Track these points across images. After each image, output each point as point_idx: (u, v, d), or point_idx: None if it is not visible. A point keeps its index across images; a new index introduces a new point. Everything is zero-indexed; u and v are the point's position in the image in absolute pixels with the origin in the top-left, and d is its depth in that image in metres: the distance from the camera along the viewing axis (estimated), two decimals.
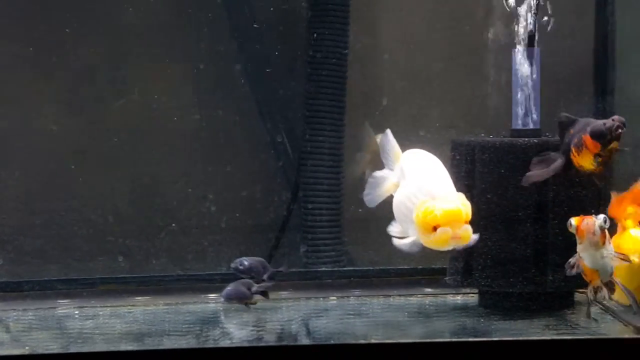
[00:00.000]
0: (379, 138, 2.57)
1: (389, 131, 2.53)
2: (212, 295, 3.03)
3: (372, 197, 2.54)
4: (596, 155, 2.37)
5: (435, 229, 2.30)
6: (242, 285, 2.91)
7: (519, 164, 2.70)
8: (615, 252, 2.35)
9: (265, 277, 2.92)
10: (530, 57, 2.86)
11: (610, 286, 2.39)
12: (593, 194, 2.75)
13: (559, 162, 2.50)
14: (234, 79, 3.38)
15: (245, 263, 2.91)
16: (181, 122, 3.36)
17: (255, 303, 2.93)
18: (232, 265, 2.92)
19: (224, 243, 3.31)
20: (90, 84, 3.34)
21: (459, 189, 2.86)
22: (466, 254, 2.82)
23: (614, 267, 2.36)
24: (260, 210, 3.39)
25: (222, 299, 2.91)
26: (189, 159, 3.38)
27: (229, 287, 2.91)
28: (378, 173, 2.53)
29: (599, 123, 2.36)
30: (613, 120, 2.34)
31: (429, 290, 3.11)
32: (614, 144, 2.34)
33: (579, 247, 2.33)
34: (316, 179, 3.34)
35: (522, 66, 2.86)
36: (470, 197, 2.78)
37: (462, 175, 2.78)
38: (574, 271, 2.41)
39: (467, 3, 3.25)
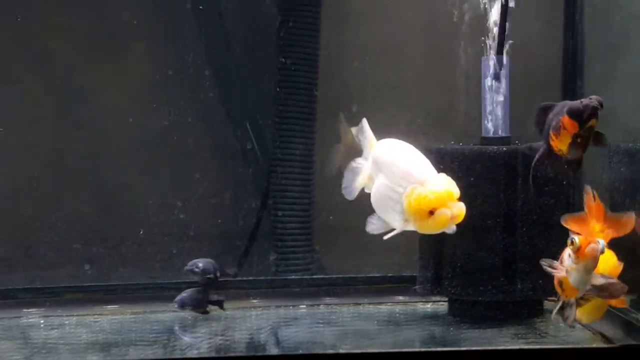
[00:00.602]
0: (354, 130, 2.54)
1: (364, 120, 2.50)
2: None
3: (350, 189, 2.49)
4: (575, 136, 2.29)
5: (431, 213, 2.28)
6: (197, 293, 2.87)
7: (488, 172, 2.71)
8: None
9: (219, 273, 2.88)
10: (499, 65, 2.87)
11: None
12: (562, 203, 2.76)
13: (541, 150, 2.43)
14: (203, 86, 3.35)
15: (200, 265, 2.86)
16: (149, 128, 3.33)
17: (208, 312, 2.90)
18: (187, 267, 2.87)
19: (193, 251, 3.28)
20: (56, 90, 3.30)
21: None
22: (435, 262, 2.82)
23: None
24: (230, 217, 3.36)
25: (175, 305, 2.87)
26: (157, 166, 3.35)
27: (184, 294, 2.87)
28: (353, 163, 2.49)
29: (575, 102, 2.29)
30: (590, 98, 2.27)
31: (399, 298, 3.11)
32: (591, 122, 2.26)
33: (571, 265, 2.32)
34: (286, 187, 3.32)
35: (491, 74, 2.87)
36: None
37: None
38: (555, 272, 2.39)
39: (438, 11, 3.25)
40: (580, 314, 2.47)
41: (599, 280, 2.31)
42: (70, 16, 3.28)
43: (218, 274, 2.90)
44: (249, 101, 3.38)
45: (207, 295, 2.88)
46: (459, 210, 2.29)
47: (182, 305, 2.86)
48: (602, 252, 2.28)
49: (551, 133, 2.35)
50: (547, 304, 2.84)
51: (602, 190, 2.81)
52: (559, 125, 2.31)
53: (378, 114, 3.32)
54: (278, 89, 3.31)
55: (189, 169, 3.34)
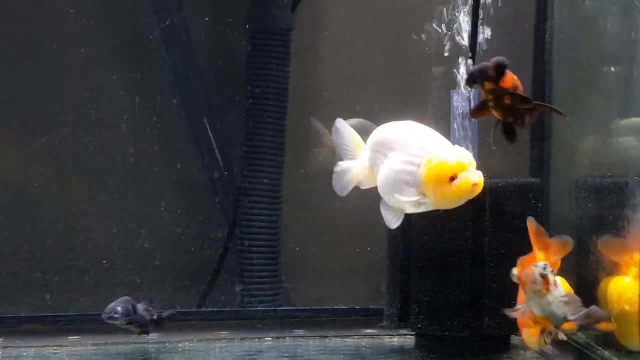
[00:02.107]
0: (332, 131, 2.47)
1: (340, 121, 2.43)
2: (147, 336, 2.92)
3: (341, 186, 2.41)
4: (488, 101, 2.21)
5: (452, 180, 2.20)
6: (146, 312, 2.77)
7: (456, 208, 2.68)
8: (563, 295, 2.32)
9: (147, 312, 2.76)
10: (468, 97, 2.87)
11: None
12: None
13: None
14: (171, 114, 3.32)
15: (119, 309, 2.69)
16: (115, 157, 3.29)
17: (148, 334, 2.81)
18: (105, 315, 2.69)
19: (157, 281, 3.23)
20: (21, 117, 3.25)
21: (395, 233, 2.85)
22: (402, 298, 2.80)
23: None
24: (196, 248, 3.32)
25: (117, 317, 2.70)
26: (122, 194, 3.30)
27: (137, 314, 2.73)
28: (343, 163, 2.42)
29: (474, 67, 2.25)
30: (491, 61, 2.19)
31: (366, 331, 3.08)
32: (487, 85, 2.16)
33: (525, 297, 2.32)
34: (253, 216, 3.29)
35: (460, 107, 2.87)
36: (406, 241, 2.79)
37: None
38: (516, 315, 2.38)
39: (407, 44, 3.26)
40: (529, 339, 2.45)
41: (565, 308, 2.29)
42: (31, 39, 3.23)
43: (138, 311, 2.74)
44: (217, 130, 3.35)
45: (153, 316, 2.77)
46: (480, 177, 2.21)
47: (127, 315, 2.69)
48: (544, 272, 2.24)
49: None
50: (514, 340, 2.84)
51: (569, 227, 2.83)
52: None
53: None
54: (246, 119, 3.29)
55: (154, 198, 3.30)
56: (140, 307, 2.74)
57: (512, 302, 2.71)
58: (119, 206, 3.29)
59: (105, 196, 3.30)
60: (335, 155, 2.45)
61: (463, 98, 2.88)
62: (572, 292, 2.39)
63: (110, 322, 2.70)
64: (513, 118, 2.26)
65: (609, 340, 2.60)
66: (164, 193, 3.31)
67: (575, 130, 2.99)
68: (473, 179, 2.21)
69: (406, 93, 3.34)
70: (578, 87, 2.99)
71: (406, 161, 2.27)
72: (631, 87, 2.53)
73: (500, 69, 2.17)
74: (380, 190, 2.36)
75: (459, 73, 2.92)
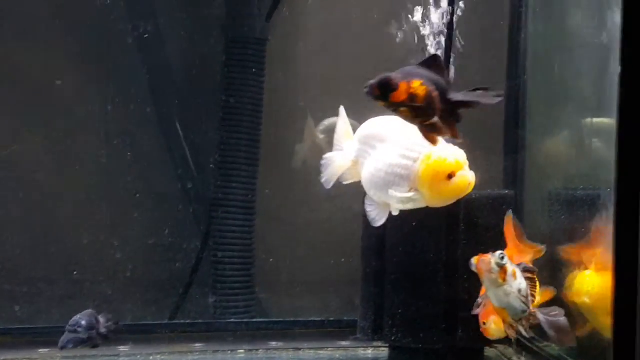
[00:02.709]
0: (322, 126, 2.45)
1: (340, 110, 2.42)
2: (120, 348, 2.91)
3: (325, 177, 2.40)
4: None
5: (449, 177, 2.19)
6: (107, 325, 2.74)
7: (430, 220, 2.69)
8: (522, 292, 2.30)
9: (103, 329, 2.74)
10: None
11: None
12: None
13: None
14: (144, 123, 3.29)
15: (83, 323, 2.65)
16: (87, 166, 3.25)
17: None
18: (68, 328, 2.65)
19: (129, 292, 3.20)
20: None
21: (370, 244, 2.84)
22: (376, 309, 2.80)
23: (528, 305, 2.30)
24: (168, 259, 3.29)
25: (80, 330, 2.64)
26: (94, 204, 3.26)
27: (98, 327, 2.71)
28: (329, 154, 2.41)
29: None
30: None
31: (340, 343, 3.07)
32: (379, 103, 2.09)
33: (483, 287, 2.30)
34: (227, 227, 3.26)
35: None
36: (380, 253, 2.78)
37: (373, 230, 2.75)
38: (479, 310, 2.38)
39: (383, 51, 3.26)
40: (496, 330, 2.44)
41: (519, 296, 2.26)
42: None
43: (100, 325, 2.73)
44: (190, 140, 3.33)
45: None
46: (473, 176, 2.22)
47: (90, 328, 2.64)
48: (500, 262, 2.21)
49: None
50: (487, 352, 2.84)
51: (542, 239, 2.83)
52: None
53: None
54: (221, 129, 3.27)
55: (126, 208, 3.26)
56: (102, 319, 2.72)
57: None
58: (91, 216, 3.26)
59: (76, 206, 3.26)
60: (319, 152, 2.44)
61: None
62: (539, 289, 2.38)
63: (73, 335, 2.66)
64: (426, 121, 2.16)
65: (582, 352, 2.61)
66: (136, 203, 3.28)
67: (548, 142, 3.00)
68: (469, 177, 2.20)
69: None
70: (551, 99, 3.01)
71: (401, 155, 2.25)
72: (603, 99, 2.54)
73: (383, 88, 2.10)
74: (366, 184, 2.33)
75: None
